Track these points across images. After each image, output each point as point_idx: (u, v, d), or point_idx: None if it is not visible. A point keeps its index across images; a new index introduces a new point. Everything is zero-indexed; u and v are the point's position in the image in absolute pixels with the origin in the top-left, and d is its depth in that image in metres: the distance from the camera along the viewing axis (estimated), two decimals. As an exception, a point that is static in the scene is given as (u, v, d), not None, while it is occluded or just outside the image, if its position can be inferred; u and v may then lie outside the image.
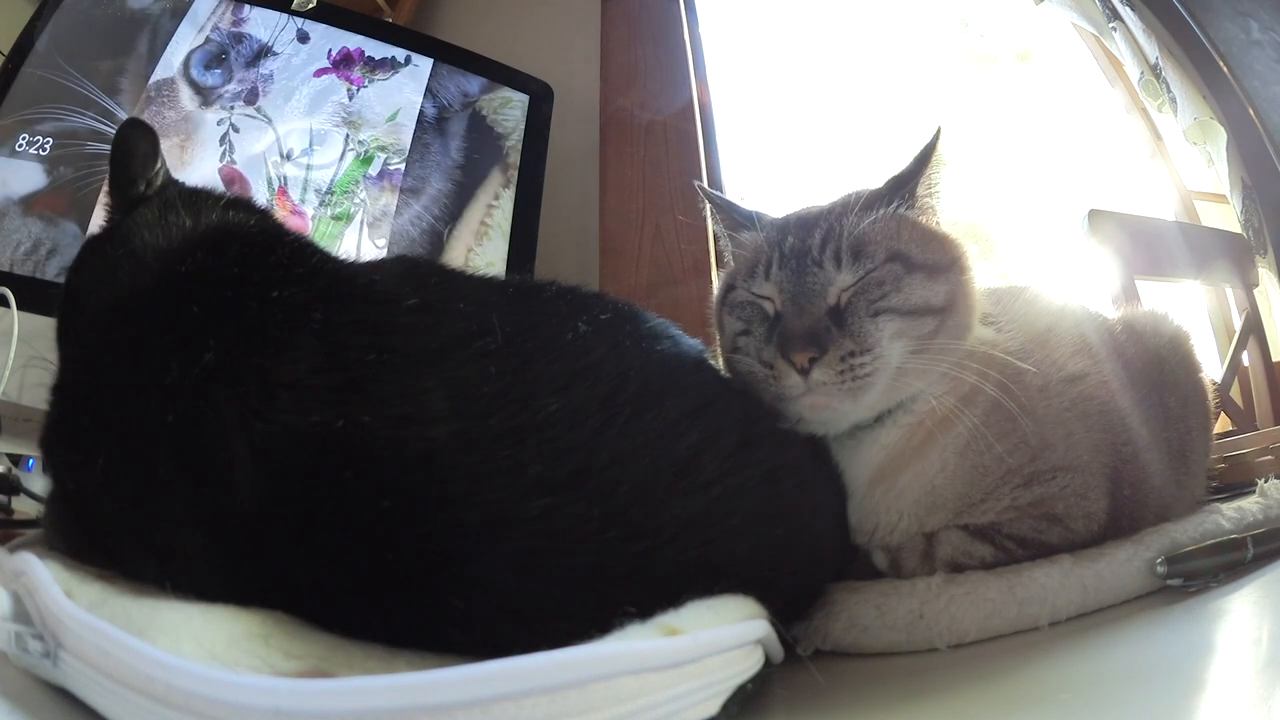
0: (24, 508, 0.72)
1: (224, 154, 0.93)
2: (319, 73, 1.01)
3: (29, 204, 0.80)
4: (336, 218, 0.96)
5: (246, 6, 0.98)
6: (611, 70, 1.32)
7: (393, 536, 0.33)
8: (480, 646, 0.31)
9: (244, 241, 0.44)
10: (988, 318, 0.54)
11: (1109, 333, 0.60)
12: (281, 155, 0.96)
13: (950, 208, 0.54)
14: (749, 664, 0.35)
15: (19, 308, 0.71)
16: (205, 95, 0.93)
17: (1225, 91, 1.18)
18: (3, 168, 0.81)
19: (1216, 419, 1.15)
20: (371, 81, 1.04)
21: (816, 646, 0.46)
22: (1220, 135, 1.21)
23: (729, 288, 0.54)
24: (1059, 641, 0.43)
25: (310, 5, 1.02)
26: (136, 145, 0.50)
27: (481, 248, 1.03)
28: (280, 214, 0.83)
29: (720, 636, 0.32)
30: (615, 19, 1.36)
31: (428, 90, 1.07)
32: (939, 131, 0.52)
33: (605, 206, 1.22)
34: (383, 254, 0.96)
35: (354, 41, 1.04)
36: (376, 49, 1.05)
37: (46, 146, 0.83)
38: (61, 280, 0.49)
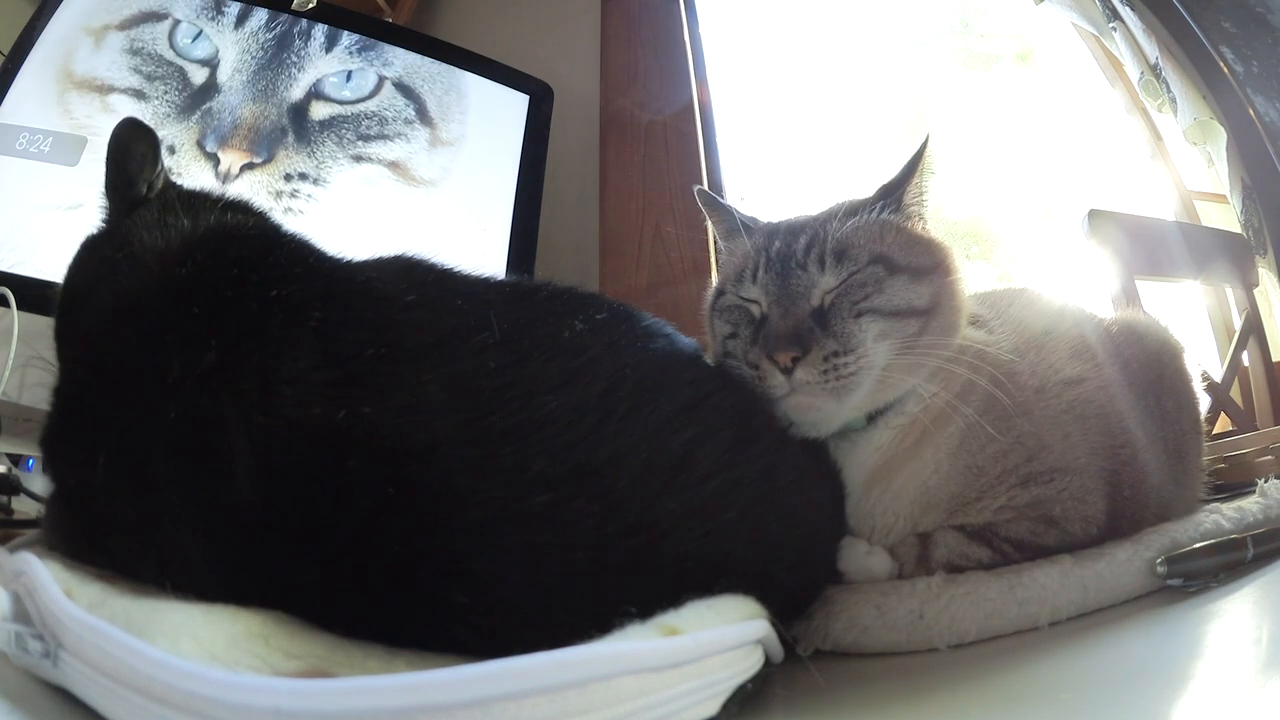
0: (24, 508, 0.72)
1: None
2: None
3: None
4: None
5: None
6: (611, 70, 1.32)
7: (396, 530, 0.33)
8: (483, 642, 0.31)
9: (243, 243, 0.44)
10: (980, 320, 0.54)
11: (1107, 334, 0.60)
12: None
13: (940, 212, 0.55)
14: (749, 664, 0.35)
15: (19, 308, 0.71)
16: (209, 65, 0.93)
17: (1225, 91, 1.18)
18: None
19: (1216, 420, 1.15)
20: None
21: (816, 646, 0.46)
22: (1220, 135, 1.21)
23: (719, 293, 0.56)
24: (1059, 641, 0.43)
25: (310, 5, 1.02)
26: (134, 146, 0.50)
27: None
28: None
29: (720, 636, 0.32)
30: (615, 19, 1.36)
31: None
32: (927, 140, 0.54)
33: (605, 206, 1.22)
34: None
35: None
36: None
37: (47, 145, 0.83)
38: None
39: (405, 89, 1.06)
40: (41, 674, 0.32)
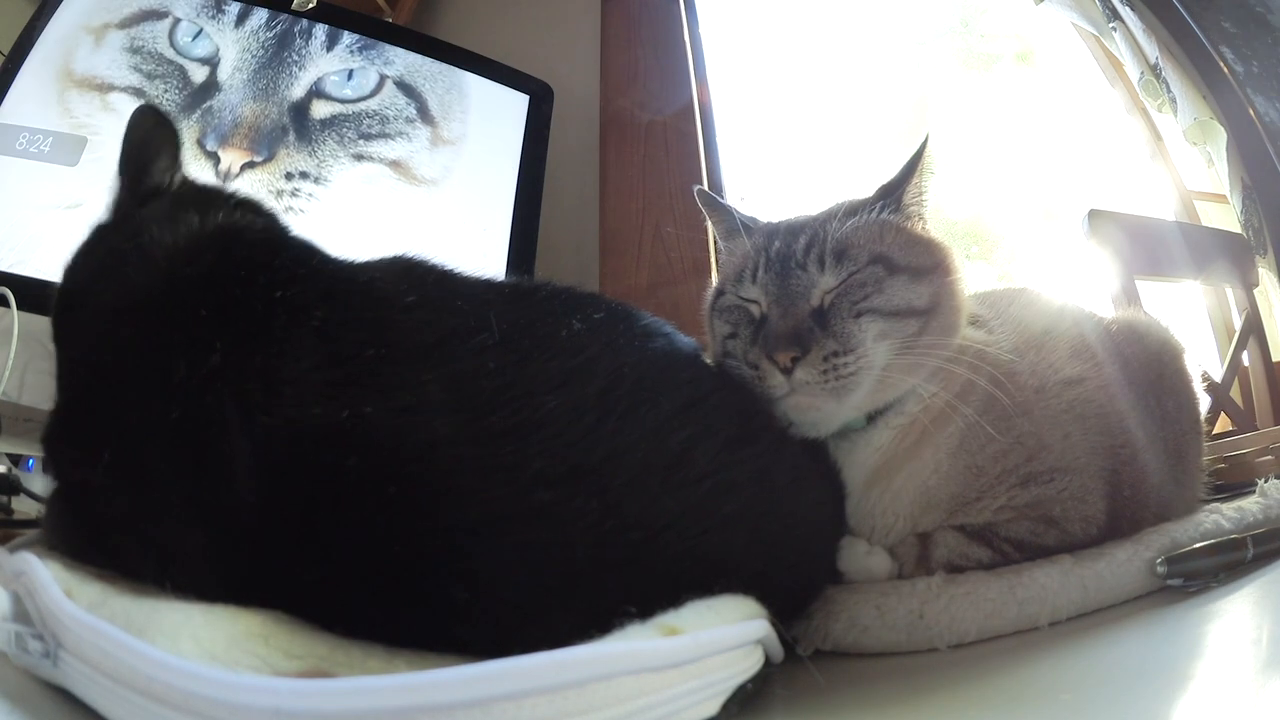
0: (24, 508, 0.72)
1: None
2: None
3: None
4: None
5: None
6: (611, 70, 1.32)
7: (396, 528, 0.34)
8: (483, 641, 0.31)
9: (250, 244, 0.44)
10: (979, 320, 0.55)
11: (1107, 335, 0.60)
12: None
13: (940, 212, 0.55)
14: (749, 664, 0.35)
15: (19, 308, 0.71)
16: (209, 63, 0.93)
17: (1225, 91, 1.18)
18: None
19: (1216, 420, 1.15)
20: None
21: (816, 646, 0.46)
22: (1220, 135, 1.22)
23: (719, 293, 0.56)
24: (1059, 641, 0.43)
25: (310, 5, 1.02)
26: (151, 134, 0.49)
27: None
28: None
29: (720, 636, 0.32)
30: (615, 19, 1.36)
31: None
32: (926, 140, 0.54)
33: (605, 206, 1.22)
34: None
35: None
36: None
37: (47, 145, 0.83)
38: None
39: (406, 88, 1.06)
40: (41, 674, 0.32)
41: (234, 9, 0.99)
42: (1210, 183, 1.45)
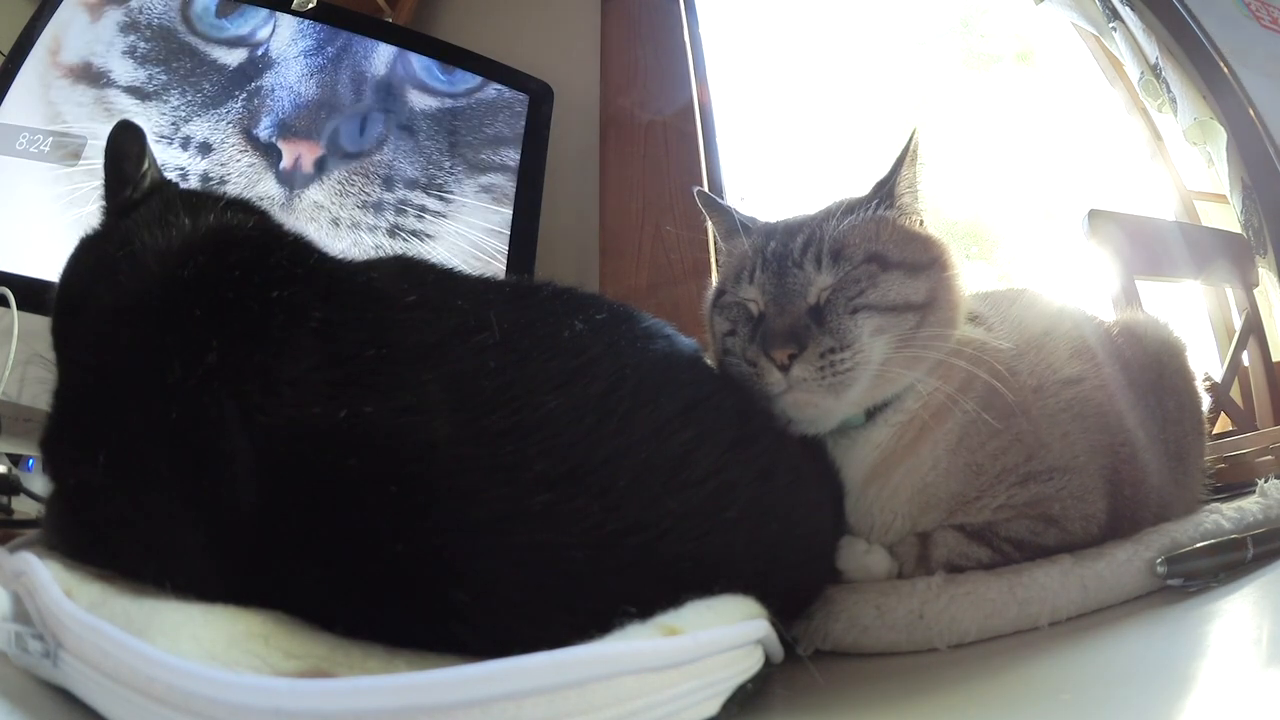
0: (24, 508, 0.72)
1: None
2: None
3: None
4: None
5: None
6: (611, 70, 1.32)
7: (396, 528, 0.33)
8: (483, 641, 0.31)
9: (244, 243, 0.44)
10: (979, 318, 0.55)
11: (1107, 335, 0.60)
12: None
13: (936, 209, 0.56)
14: (749, 664, 0.35)
15: (19, 307, 0.71)
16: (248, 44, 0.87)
17: (1225, 91, 1.18)
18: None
19: (1216, 420, 1.15)
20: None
21: (816, 646, 0.46)
22: (1220, 135, 1.21)
23: (719, 292, 0.56)
24: (1059, 641, 0.43)
25: (310, 5, 1.02)
26: (129, 147, 0.50)
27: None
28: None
29: (720, 636, 0.32)
30: (615, 19, 1.36)
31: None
32: (914, 132, 0.54)
33: (605, 206, 1.22)
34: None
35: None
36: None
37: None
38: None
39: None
40: (41, 674, 0.32)
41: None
42: (1210, 183, 1.45)
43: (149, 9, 0.86)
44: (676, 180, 1.20)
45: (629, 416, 0.37)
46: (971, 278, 0.54)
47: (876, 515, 0.52)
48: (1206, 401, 0.67)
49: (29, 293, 0.71)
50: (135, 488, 0.37)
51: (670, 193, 1.20)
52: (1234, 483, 0.66)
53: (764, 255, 0.52)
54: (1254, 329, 1.26)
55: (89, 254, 0.47)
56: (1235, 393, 1.25)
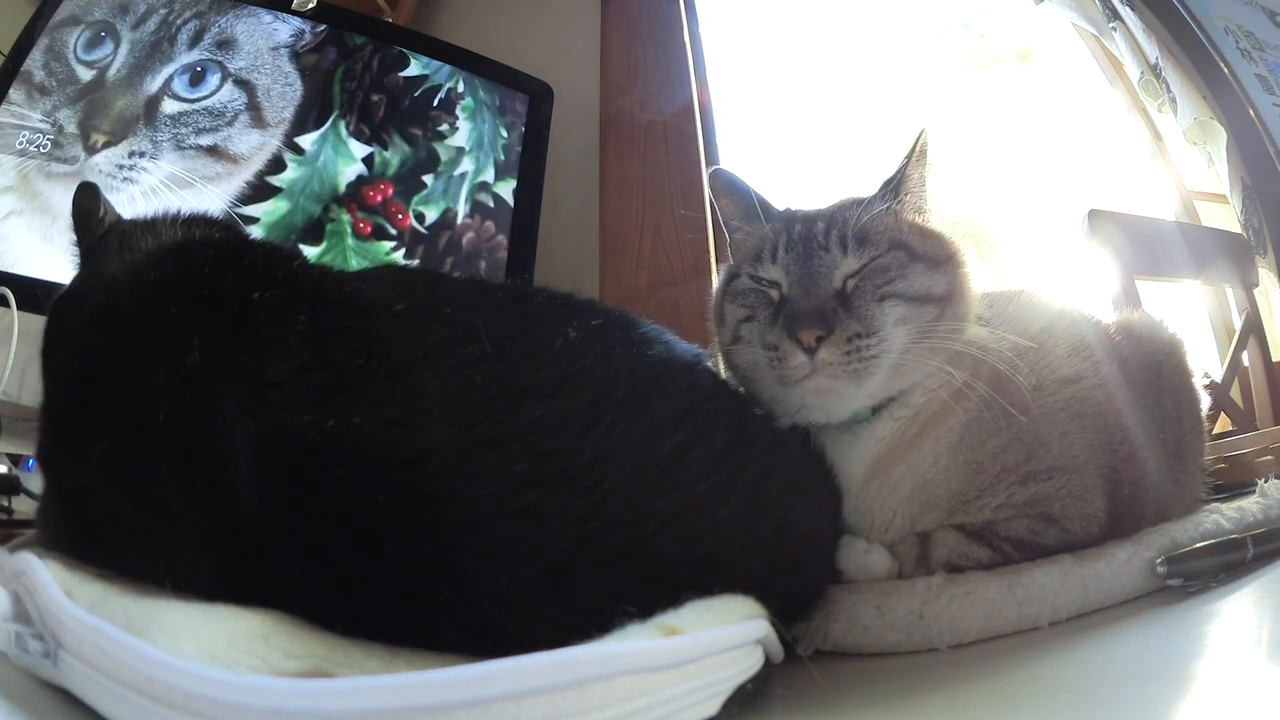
0: (24, 508, 0.72)
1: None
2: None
3: None
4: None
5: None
6: (611, 70, 1.32)
7: (384, 530, 0.34)
8: (468, 638, 0.32)
9: (210, 246, 0.45)
10: (982, 319, 0.55)
11: (1105, 335, 0.60)
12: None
13: (946, 208, 0.56)
14: (749, 664, 0.35)
15: (19, 308, 0.71)
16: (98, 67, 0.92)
17: (1225, 92, 1.18)
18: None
19: (1216, 420, 1.15)
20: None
21: (816, 646, 0.46)
22: (1220, 135, 1.22)
23: (732, 276, 0.56)
24: (1059, 641, 0.43)
25: (310, 5, 1.02)
26: (88, 204, 0.52)
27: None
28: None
29: (720, 636, 0.32)
30: (615, 19, 1.36)
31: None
32: (923, 131, 0.54)
33: (605, 206, 1.22)
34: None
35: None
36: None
37: None
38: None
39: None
40: (41, 674, 0.32)
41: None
42: (1210, 183, 1.45)
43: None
44: (676, 180, 1.20)
45: (618, 422, 0.38)
46: (975, 278, 0.55)
47: (876, 513, 0.52)
48: (1206, 401, 0.67)
49: (29, 293, 0.71)
50: (128, 489, 0.37)
51: (670, 193, 1.20)
52: (1234, 483, 0.66)
53: (788, 236, 0.52)
54: (1254, 329, 1.26)
55: (67, 295, 0.48)
56: (1235, 393, 1.25)
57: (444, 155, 1.05)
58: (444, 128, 1.06)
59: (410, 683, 0.25)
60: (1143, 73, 1.35)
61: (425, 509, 0.34)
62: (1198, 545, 0.48)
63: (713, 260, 1.12)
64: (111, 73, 0.89)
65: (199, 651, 0.29)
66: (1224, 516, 0.53)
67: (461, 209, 1.03)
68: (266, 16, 0.99)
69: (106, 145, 0.86)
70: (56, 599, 0.31)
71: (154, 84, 0.91)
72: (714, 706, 0.32)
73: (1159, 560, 0.46)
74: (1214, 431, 1.11)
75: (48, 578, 0.32)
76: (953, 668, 0.42)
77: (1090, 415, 0.53)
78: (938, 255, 0.52)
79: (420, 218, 0.99)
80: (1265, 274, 1.25)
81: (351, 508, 0.34)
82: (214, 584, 0.34)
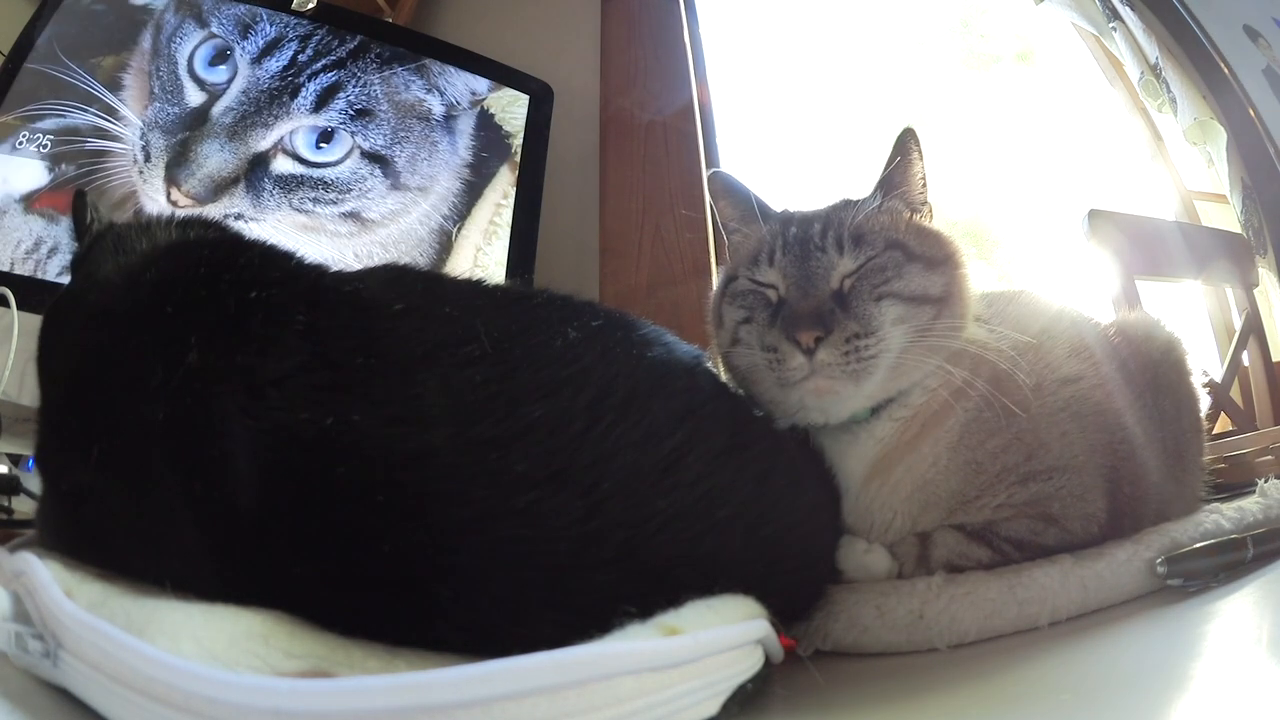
0: (24, 508, 0.72)
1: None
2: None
3: (30, 201, 0.80)
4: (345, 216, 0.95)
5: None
6: (611, 70, 1.32)
7: (384, 529, 0.34)
8: (468, 638, 0.32)
9: (205, 246, 0.45)
10: (981, 319, 0.55)
11: (1104, 335, 0.60)
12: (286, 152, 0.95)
13: (945, 208, 0.56)
14: (749, 664, 0.35)
15: (19, 308, 0.71)
16: (210, 91, 0.92)
17: (1225, 91, 1.18)
18: (3, 165, 0.81)
19: (1216, 420, 1.15)
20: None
21: (816, 646, 0.46)
22: (1220, 135, 1.22)
23: (730, 279, 0.56)
24: (1059, 641, 0.43)
25: (310, 5, 1.02)
26: (79, 212, 0.52)
27: (491, 247, 1.03)
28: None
29: (720, 636, 0.32)
30: (615, 19, 1.36)
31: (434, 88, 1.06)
32: (906, 130, 0.54)
33: (605, 206, 1.22)
34: (388, 257, 0.96)
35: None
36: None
37: (47, 144, 0.83)
38: (62, 279, 0.49)
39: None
40: (41, 674, 0.32)
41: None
42: (1210, 183, 1.45)
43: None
44: (676, 180, 1.20)
45: (617, 423, 0.38)
46: (974, 278, 0.55)
47: (876, 513, 0.52)
48: (1205, 400, 0.67)
49: (29, 293, 0.71)
50: (127, 489, 0.37)
51: (670, 193, 1.20)
52: (1234, 483, 0.66)
53: (784, 239, 0.52)
54: (1254, 329, 1.26)
55: (62, 299, 0.48)
56: (1235, 393, 1.25)
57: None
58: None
59: (410, 683, 0.25)
60: (1143, 73, 1.35)
61: (425, 508, 0.34)
62: (1198, 545, 0.48)
63: (713, 261, 1.12)
64: (218, 109, 0.84)
65: (199, 651, 0.29)
66: (1224, 516, 0.53)
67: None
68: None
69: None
70: (56, 599, 0.31)
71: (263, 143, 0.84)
72: (714, 706, 0.32)
73: (1159, 560, 0.46)
74: (1214, 431, 1.11)
75: (48, 578, 0.32)
76: (953, 668, 0.42)
77: (1090, 415, 0.53)
78: (935, 255, 0.52)
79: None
80: (1265, 274, 1.25)
81: (351, 507, 0.34)
82: (214, 584, 0.34)
